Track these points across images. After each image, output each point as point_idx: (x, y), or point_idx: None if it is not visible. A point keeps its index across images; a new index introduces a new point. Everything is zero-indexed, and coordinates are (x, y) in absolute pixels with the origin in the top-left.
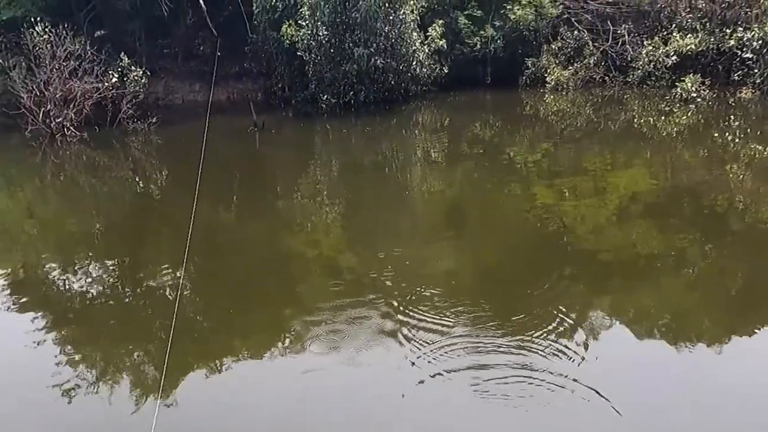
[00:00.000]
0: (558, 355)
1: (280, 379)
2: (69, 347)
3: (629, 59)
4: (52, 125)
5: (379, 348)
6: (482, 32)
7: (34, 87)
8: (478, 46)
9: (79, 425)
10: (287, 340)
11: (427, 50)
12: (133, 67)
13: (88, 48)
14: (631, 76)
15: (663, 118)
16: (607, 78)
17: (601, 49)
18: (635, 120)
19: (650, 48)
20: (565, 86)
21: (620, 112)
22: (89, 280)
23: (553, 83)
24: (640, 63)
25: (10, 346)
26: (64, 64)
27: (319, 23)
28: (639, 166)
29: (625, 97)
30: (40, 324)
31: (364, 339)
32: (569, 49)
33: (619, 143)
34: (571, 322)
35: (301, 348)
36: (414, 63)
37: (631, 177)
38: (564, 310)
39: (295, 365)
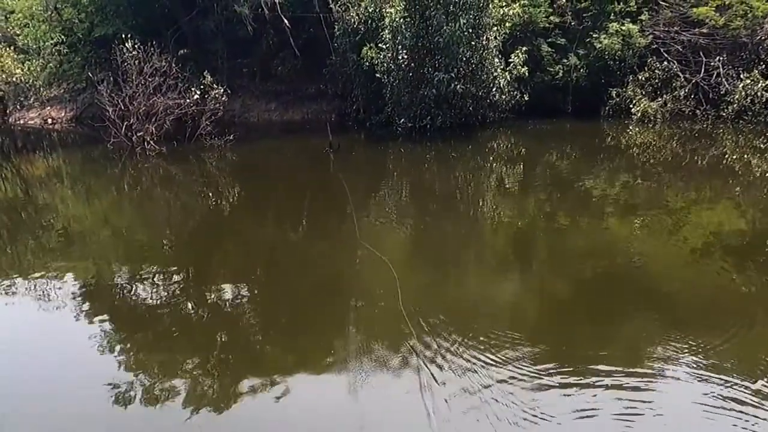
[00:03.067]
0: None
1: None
2: (129, 353)
3: (723, 93)
4: (133, 138)
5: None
6: (565, 60)
7: (119, 101)
8: (560, 74)
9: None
10: (338, 364)
11: (508, 77)
12: (214, 85)
13: (173, 65)
14: (725, 111)
15: (758, 155)
16: (697, 111)
17: (693, 82)
18: (726, 156)
19: (748, 82)
20: (652, 119)
21: (710, 148)
22: (154, 289)
23: (639, 115)
24: (736, 97)
25: (74, 349)
26: (150, 80)
27: (399, 47)
28: (726, 205)
29: (717, 132)
30: (105, 329)
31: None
32: (657, 81)
33: (706, 180)
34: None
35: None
36: (494, 89)
37: (716, 216)
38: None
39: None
